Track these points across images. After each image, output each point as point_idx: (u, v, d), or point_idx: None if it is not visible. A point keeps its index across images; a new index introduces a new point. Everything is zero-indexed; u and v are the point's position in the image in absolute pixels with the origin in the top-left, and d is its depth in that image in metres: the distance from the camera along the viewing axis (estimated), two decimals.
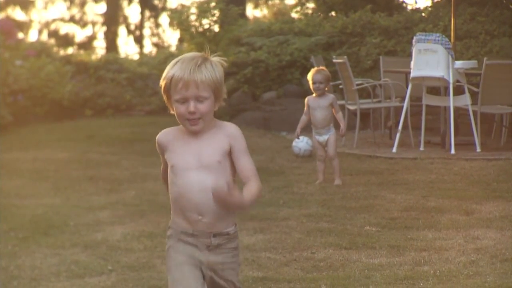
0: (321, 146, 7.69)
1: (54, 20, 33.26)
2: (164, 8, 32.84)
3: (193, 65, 2.81)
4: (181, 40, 16.60)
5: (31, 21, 32.42)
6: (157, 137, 2.95)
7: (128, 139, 10.53)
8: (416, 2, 18.43)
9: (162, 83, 2.87)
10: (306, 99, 7.77)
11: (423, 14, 14.48)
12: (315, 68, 7.81)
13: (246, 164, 2.88)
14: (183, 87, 2.80)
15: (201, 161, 2.85)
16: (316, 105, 7.62)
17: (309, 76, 7.67)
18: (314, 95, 7.66)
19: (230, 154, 2.87)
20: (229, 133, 2.89)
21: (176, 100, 2.84)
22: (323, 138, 7.65)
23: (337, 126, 7.67)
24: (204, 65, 2.82)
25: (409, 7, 15.82)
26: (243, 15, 15.71)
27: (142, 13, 33.58)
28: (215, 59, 2.87)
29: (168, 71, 2.85)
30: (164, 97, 2.90)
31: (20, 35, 17.45)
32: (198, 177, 2.83)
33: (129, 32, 33.89)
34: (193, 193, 2.84)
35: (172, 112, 2.90)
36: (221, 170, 2.85)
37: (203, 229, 2.86)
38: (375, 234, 5.64)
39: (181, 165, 2.86)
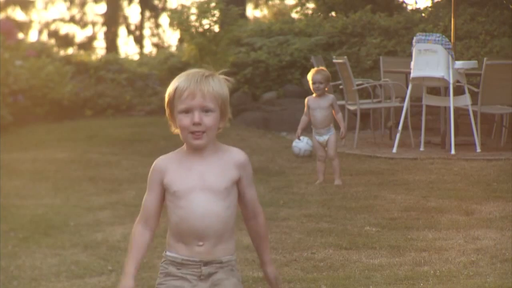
0: (321, 146, 7.69)
1: (54, 20, 33.22)
2: (164, 8, 32.80)
3: (200, 76, 2.72)
4: (181, 40, 16.57)
5: (31, 21, 32.38)
6: (155, 163, 2.80)
7: (128, 139, 10.53)
8: (416, 2, 18.45)
9: (167, 96, 2.75)
10: (306, 100, 7.77)
11: (423, 14, 14.48)
12: (315, 68, 7.81)
13: (253, 195, 2.84)
14: (188, 96, 2.69)
15: (205, 183, 2.73)
16: (316, 105, 7.62)
17: (309, 76, 7.67)
18: (314, 95, 7.66)
19: (237, 181, 2.79)
20: (239, 163, 2.78)
21: (180, 111, 2.71)
22: (323, 138, 7.66)
23: (337, 126, 7.67)
24: (211, 77, 2.72)
25: (409, 7, 15.83)
26: (243, 15, 15.68)
27: (142, 13, 33.55)
28: (221, 76, 2.77)
29: (174, 83, 2.74)
30: (167, 111, 2.77)
31: (20, 35, 17.44)
32: (201, 200, 2.72)
33: (129, 32, 33.86)
34: (196, 216, 2.71)
35: (174, 129, 2.78)
36: (227, 195, 2.75)
37: (197, 255, 2.73)
38: (375, 234, 5.64)
39: (183, 187, 2.73)
